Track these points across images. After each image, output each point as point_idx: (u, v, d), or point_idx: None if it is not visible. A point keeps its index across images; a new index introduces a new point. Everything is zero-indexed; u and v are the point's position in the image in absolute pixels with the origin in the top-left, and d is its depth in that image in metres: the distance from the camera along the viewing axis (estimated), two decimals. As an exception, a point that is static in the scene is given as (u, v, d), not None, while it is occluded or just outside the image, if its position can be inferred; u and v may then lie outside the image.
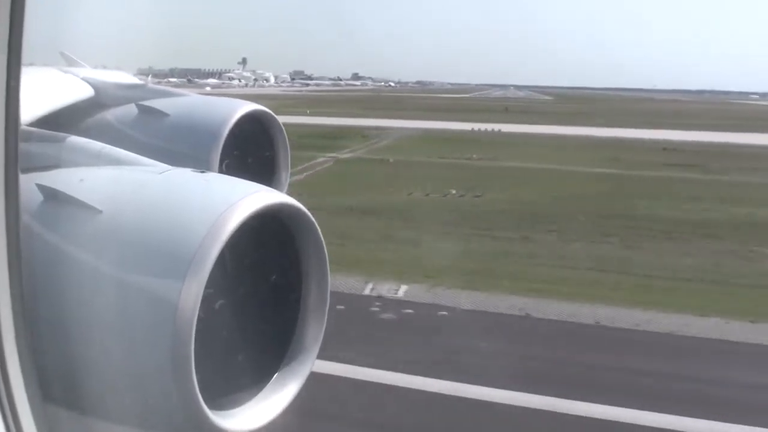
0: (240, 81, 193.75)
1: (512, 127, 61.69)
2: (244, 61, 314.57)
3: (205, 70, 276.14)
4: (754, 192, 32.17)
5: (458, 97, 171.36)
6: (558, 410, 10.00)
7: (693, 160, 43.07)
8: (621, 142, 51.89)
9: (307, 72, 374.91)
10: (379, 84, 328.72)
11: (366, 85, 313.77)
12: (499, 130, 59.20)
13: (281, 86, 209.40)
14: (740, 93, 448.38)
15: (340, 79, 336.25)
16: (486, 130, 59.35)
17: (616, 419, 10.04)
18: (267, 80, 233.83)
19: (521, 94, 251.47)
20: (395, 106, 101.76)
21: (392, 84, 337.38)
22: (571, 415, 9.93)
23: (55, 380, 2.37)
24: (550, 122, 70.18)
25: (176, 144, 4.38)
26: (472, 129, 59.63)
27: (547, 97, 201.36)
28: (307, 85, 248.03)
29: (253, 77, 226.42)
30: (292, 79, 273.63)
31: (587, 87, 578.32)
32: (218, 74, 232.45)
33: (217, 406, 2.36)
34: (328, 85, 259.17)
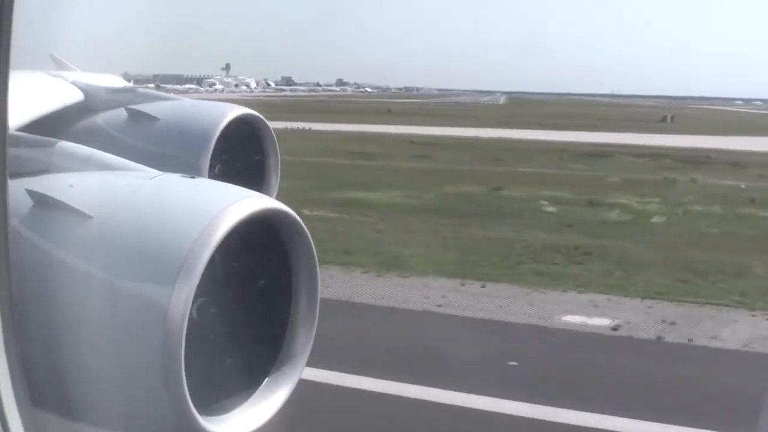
0: (210, 87, 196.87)
1: (332, 126, 60.36)
2: (227, 67, 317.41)
3: (187, 75, 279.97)
4: (359, 173, 30.99)
5: (389, 101, 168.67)
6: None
7: (396, 151, 42.34)
8: (393, 137, 51.99)
9: (295, 78, 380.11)
10: (358, 90, 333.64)
11: (345, 91, 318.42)
12: (309, 129, 57.18)
13: (254, 92, 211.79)
14: (726, 99, 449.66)
15: (319, 85, 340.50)
16: (295, 128, 54.59)
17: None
18: (248, 86, 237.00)
19: (485, 99, 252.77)
20: (296, 109, 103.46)
21: (369, 90, 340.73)
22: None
23: (45, 386, 2.37)
24: (395, 122, 67.12)
25: (166, 148, 4.39)
26: (285, 128, 59.25)
27: (501, 102, 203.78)
28: (283, 90, 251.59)
29: (234, 83, 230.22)
30: (267, 85, 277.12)
31: (575, 93, 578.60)
32: (197, 80, 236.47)
33: (207, 411, 2.39)
34: (304, 91, 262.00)
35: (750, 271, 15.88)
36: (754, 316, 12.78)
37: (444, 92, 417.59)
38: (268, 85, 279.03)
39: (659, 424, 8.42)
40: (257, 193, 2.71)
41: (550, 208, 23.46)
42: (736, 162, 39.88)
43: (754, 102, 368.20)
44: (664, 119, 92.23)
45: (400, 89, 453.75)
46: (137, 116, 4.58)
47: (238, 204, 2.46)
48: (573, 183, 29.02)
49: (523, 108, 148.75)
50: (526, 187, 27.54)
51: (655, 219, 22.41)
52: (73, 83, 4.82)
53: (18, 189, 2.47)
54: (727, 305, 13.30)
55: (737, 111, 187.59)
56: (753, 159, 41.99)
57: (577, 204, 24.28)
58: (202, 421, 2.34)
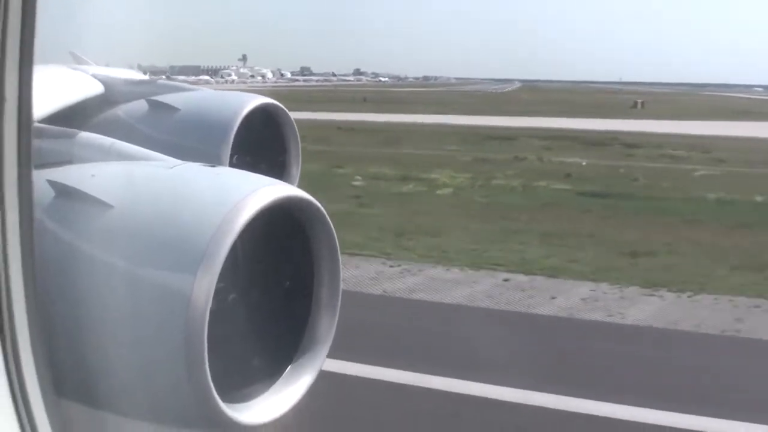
0: (222, 78, 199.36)
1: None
2: (244, 58, 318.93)
3: (204, 66, 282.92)
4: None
5: (399, 90, 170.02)
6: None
7: (306, 135, 43.22)
8: (327, 124, 50.78)
9: (314, 69, 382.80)
10: (373, 80, 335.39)
11: (360, 80, 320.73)
12: None
13: (266, 83, 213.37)
14: (746, 86, 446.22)
15: (335, 75, 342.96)
16: None
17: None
18: (263, 76, 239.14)
19: (495, 87, 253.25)
20: (285, 98, 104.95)
21: (383, 80, 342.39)
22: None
23: (69, 376, 2.39)
24: (354, 110, 69.74)
25: (186, 139, 4.37)
26: None
27: (507, 90, 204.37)
28: (296, 81, 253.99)
29: (250, 74, 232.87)
30: (281, 75, 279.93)
31: (591, 81, 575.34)
32: (213, 71, 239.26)
33: (230, 398, 2.39)
34: (317, 81, 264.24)
35: (446, 233, 17.37)
36: (383, 264, 14.61)
37: (462, 81, 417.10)
38: (282, 75, 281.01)
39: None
40: (278, 180, 2.72)
41: (359, 183, 25.03)
42: (636, 143, 41.07)
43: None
44: (635, 105, 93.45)
45: (419, 78, 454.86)
46: (157, 107, 4.58)
47: (259, 191, 2.45)
48: (419, 162, 30.57)
49: (519, 96, 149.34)
50: (368, 165, 28.92)
51: (441, 191, 24.00)
52: (94, 76, 4.85)
53: (40, 179, 2.46)
54: (374, 256, 15.06)
55: (742, 97, 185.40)
56: (661, 140, 42.92)
57: (390, 179, 25.84)
58: (226, 408, 2.34)
